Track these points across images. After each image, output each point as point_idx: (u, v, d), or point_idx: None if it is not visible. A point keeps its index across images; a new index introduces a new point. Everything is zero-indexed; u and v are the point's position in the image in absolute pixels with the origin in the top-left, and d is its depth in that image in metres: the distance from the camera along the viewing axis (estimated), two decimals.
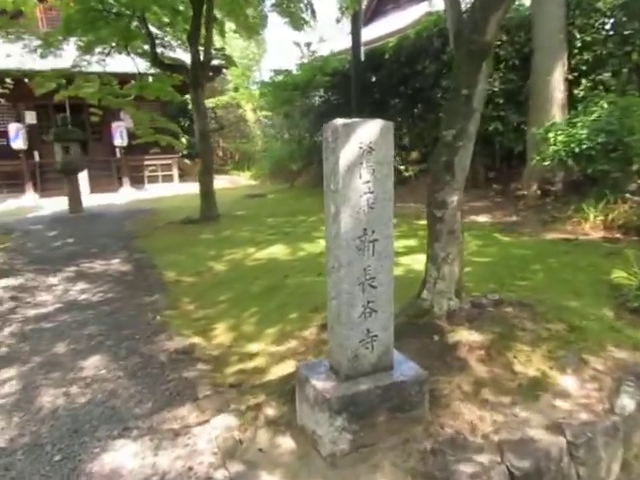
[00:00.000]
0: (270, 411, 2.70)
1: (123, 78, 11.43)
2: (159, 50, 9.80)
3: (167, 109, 16.46)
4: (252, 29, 10.33)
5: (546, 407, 2.51)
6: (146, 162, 16.35)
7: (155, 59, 9.33)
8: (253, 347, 3.56)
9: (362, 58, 11.01)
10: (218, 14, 9.76)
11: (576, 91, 7.28)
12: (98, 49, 9.81)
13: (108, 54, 10.02)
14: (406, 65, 9.92)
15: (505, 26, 7.66)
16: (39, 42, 9.26)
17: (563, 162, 6.20)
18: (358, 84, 10.80)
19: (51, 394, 3.03)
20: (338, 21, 11.02)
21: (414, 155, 10.01)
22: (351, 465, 2.25)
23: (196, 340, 3.76)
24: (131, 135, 13.76)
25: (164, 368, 3.33)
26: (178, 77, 10.07)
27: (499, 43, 7.73)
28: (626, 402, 2.53)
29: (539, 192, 7.27)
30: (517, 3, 8.10)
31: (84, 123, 15.02)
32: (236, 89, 22.50)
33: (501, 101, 7.94)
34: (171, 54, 10.59)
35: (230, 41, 22.18)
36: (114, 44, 9.74)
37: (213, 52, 9.99)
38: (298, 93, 12.82)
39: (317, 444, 2.35)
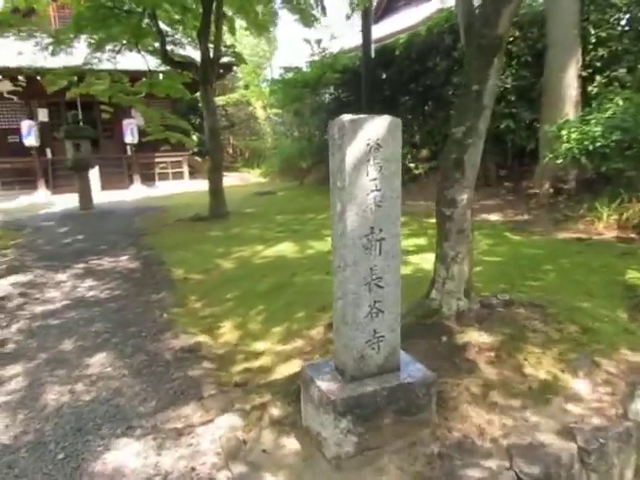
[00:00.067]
0: (275, 411, 2.67)
1: (134, 76, 11.44)
2: (169, 47, 9.80)
3: (178, 106, 16.52)
4: (262, 26, 10.28)
5: (557, 411, 2.45)
6: (157, 159, 16.41)
7: (165, 56, 9.33)
8: (259, 346, 3.53)
9: (372, 55, 10.94)
10: (228, 11, 9.74)
11: (590, 88, 7.15)
12: (109, 47, 9.83)
13: (119, 52, 10.04)
14: (417, 62, 9.83)
15: (518, 22, 7.54)
16: (50, 40, 9.28)
17: (576, 160, 6.09)
18: (368, 81, 10.73)
19: (56, 391, 3.03)
20: (348, 17, 10.95)
21: (424, 153, 9.92)
22: (356, 468, 2.21)
23: (202, 338, 3.74)
24: (142, 132, 13.79)
25: (169, 366, 3.31)
26: (188, 74, 10.06)
27: (511, 39, 7.62)
28: None
29: (551, 190, 7.16)
30: None
31: (95, 120, 15.13)
32: (246, 87, 22.51)
33: (513, 98, 7.83)
34: (181, 51, 10.58)
35: (241, 39, 22.21)
36: (125, 42, 9.75)
37: (223, 49, 9.97)
38: (308, 90, 12.76)
39: (322, 446, 2.31)
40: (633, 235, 5.53)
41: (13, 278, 5.56)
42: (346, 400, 2.22)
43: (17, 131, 14.55)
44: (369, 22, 10.86)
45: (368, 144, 2.16)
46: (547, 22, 7.30)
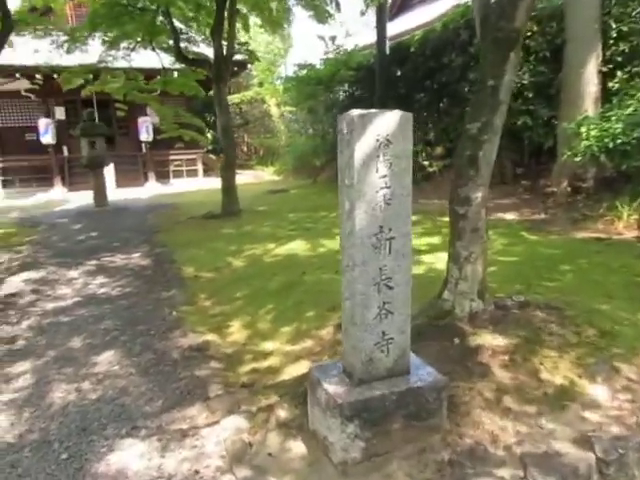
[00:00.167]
0: (282, 413, 2.62)
1: (149, 73, 11.50)
2: (183, 45, 9.81)
3: (193, 104, 16.56)
4: (276, 23, 10.24)
5: (574, 418, 2.35)
6: (171, 157, 16.48)
7: (179, 54, 9.33)
8: (268, 345, 3.48)
9: (387, 52, 10.82)
10: (242, 8, 9.70)
11: (610, 84, 6.95)
12: (123, 44, 9.88)
13: (133, 49, 10.09)
14: (432, 58, 9.69)
15: (536, 16, 7.38)
16: (66, 38, 9.35)
17: (595, 158, 5.92)
18: (383, 78, 10.62)
19: (63, 389, 3.01)
20: (363, 13, 10.84)
21: (438, 150, 9.78)
22: (363, 474, 2.14)
23: (210, 337, 3.70)
24: (157, 130, 13.86)
25: (176, 365, 3.27)
26: (202, 72, 10.07)
27: (529, 34, 7.45)
28: None
29: (569, 189, 6.98)
30: None
31: (111, 118, 15.23)
32: (261, 84, 22.50)
33: (531, 95, 7.66)
34: (195, 49, 10.59)
35: (255, 36, 22.20)
36: (139, 39, 9.79)
37: (236, 47, 9.95)
38: (322, 88, 12.68)
39: (328, 450, 2.25)
40: None
41: (26, 274, 5.59)
42: (353, 404, 2.15)
43: (34, 129, 14.71)
44: (383, 18, 10.74)
45: (378, 140, 2.09)
46: (566, 16, 7.12)
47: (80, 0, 11.31)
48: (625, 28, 6.88)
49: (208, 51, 10.13)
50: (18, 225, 9.18)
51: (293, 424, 2.52)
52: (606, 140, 5.62)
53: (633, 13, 6.93)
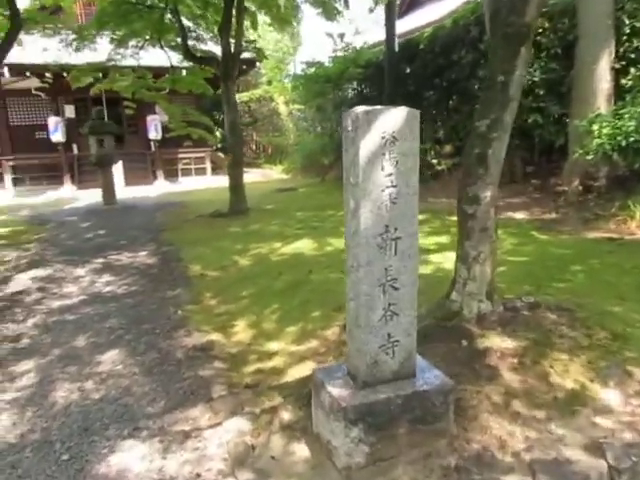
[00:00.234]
0: (286, 415, 2.57)
1: (157, 72, 11.51)
2: (191, 43, 9.80)
3: (202, 103, 16.58)
4: (284, 20, 10.18)
5: (585, 424, 2.29)
6: (180, 155, 16.52)
7: (187, 52, 9.31)
8: (273, 346, 3.44)
9: (396, 49, 10.73)
10: (250, 5, 9.66)
11: (623, 81, 6.83)
12: (132, 42, 9.89)
13: (142, 47, 10.09)
14: (441, 55, 9.59)
15: (548, 12, 7.26)
16: (74, 36, 9.37)
17: (608, 156, 5.82)
18: (392, 76, 10.54)
19: (66, 389, 2.99)
20: (371, 10, 10.77)
21: (447, 148, 9.68)
22: (368, 479, 2.09)
23: (215, 337, 3.67)
24: (165, 128, 13.88)
25: (180, 365, 3.24)
26: (210, 70, 10.05)
27: (540, 30, 7.34)
28: None
29: (581, 188, 6.87)
30: None
31: (120, 116, 15.30)
32: (269, 82, 22.47)
33: (542, 92, 7.54)
34: (203, 47, 10.57)
35: (264, 34, 22.21)
36: (147, 37, 9.79)
37: (244, 44, 9.91)
38: (330, 86, 12.62)
39: (332, 455, 2.20)
40: None
41: (33, 272, 5.60)
42: (358, 407, 2.10)
43: (45, 127, 14.81)
44: (393, 15, 10.65)
45: (383, 137, 2.04)
46: (578, 12, 7.00)
47: None
48: (639, 24, 6.75)
49: (216, 49, 10.11)
50: (28, 223, 9.24)
51: (297, 426, 2.48)
52: (619, 138, 5.53)
53: None
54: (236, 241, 6.57)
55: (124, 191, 13.20)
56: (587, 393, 2.47)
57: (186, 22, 9.84)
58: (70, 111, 15.36)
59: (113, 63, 10.12)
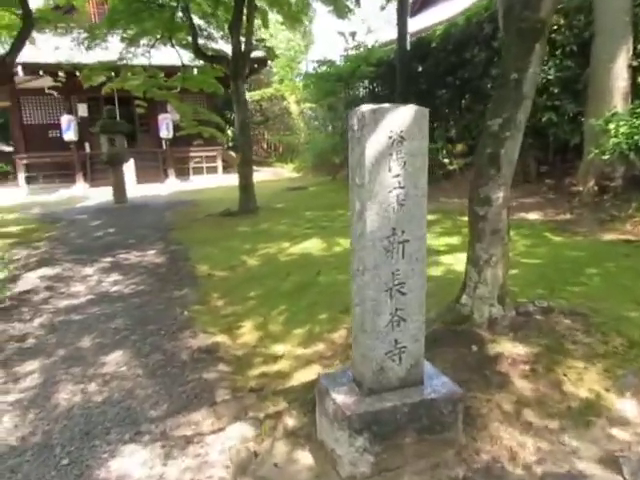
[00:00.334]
0: (290, 421, 2.52)
1: (168, 71, 11.51)
2: (202, 41, 9.78)
3: (213, 101, 16.59)
4: (295, 18, 10.13)
5: (600, 436, 2.20)
6: (191, 154, 16.54)
7: (197, 50, 9.29)
8: (278, 348, 3.38)
9: (408, 47, 10.61)
10: (264, 4, 9.61)
11: None
12: (143, 41, 9.89)
13: (153, 46, 10.09)
14: (454, 53, 9.46)
15: (563, 9, 7.12)
16: (85, 35, 9.40)
17: (624, 156, 5.68)
18: (403, 74, 10.42)
19: (69, 390, 2.96)
20: (383, 8, 10.69)
21: (460, 148, 9.55)
22: None
23: (221, 338, 3.62)
24: (177, 127, 13.90)
25: (185, 368, 3.20)
26: (221, 69, 10.02)
27: (555, 28, 7.20)
28: None
29: (596, 188, 6.72)
30: None
31: (132, 115, 15.34)
32: (281, 81, 22.44)
33: (556, 90, 7.39)
34: (213, 45, 10.55)
35: (276, 33, 22.18)
36: (158, 36, 9.79)
37: (254, 43, 9.87)
38: (342, 84, 12.54)
39: (336, 464, 2.14)
40: None
41: (42, 271, 5.60)
42: (362, 416, 2.04)
43: (57, 126, 14.91)
44: (405, 13, 10.53)
45: (390, 136, 1.97)
46: (595, 8, 6.84)
47: None
48: None
49: (227, 48, 10.08)
50: (39, 221, 9.29)
51: (301, 433, 2.42)
52: (636, 137, 5.40)
53: None
54: (245, 241, 6.53)
55: (136, 189, 13.25)
56: (602, 403, 2.37)
57: (197, 20, 9.83)
58: (83, 110, 15.47)
59: (124, 62, 10.13)
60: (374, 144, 1.94)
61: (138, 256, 6.17)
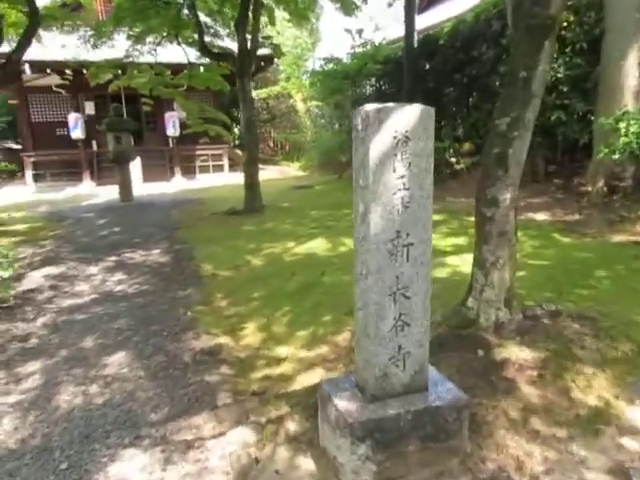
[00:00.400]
0: (292, 426, 2.47)
1: (175, 68, 11.46)
2: (208, 39, 9.74)
3: (220, 99, 16.56)
4: (302, 15, 10.06)
5: (609, 445, 2.14)
6: (197, 152, 16.53)
7: (203, 48, 9.25)
8: (282, 351, 3.34)
9: (415, 45, 10.53)
10: (270, 1, 9.56)
11: None
12: (149, 39, 9.87)
13: (159, 44, 10.06)
14: (461, 51, 9.37)
15: (573, 5, 7.03)
16: (92, 33, 9.40)
17: (635, 155, 5.58)
18: (411, 72, 10.35)
19: (70, 392, 2.93)
20: (390, 5, 10.58)
21: (467, 147, 9.46)
22: None
23: (223, 340, 3.58)
24: (183, 125, 13.89)
25: (187, 370, 3.16)
26: (227, 67, 9.98)
27: (565, 25, 7.10)
28: None
29: (606, 188, 6.62)
30: None
31: (139, 113, 15.34)
32: (288, 79, 22.38)
33: (565, 88, 7.29)
34: (220, 43, 10.51)
35: (283, 31, 22.11)
36: (164, 34, 9.76)
37: (261, 40, 9.82)
38: (348, 82, 12.47)
39: (338, 472, 2.10)
40: None
41: (47, 270, 5.60)
42: (365, 424, 1.99)
43: (65, 124, 14.94)
44: (412, 10, 10.45)
45: (395, 137, 1.91)
46: (606, 5, 6.74)
47: None
48: None
49: (233, 45, 10.04)
50: (45, 219, 9.30)
51: (303, 438, 2.38)
52: None
53: None
54: (249, 240, 6.50)
55: (142, 187, 13.26)
56: (612, 411, 2.31)
57: (203, 18, 9.79)
58: (90, 108, 15.49)
59: (131, 60, 10.11)
60: (378, 144, 1.89)
61: (143, 255, 6.15)
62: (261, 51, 10.67)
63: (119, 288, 4.91)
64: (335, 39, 39.40)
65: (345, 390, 2.20)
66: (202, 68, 11.43)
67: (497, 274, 2.93)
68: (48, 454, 2.37)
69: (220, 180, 15.34)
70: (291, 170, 17.66)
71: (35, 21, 8.04)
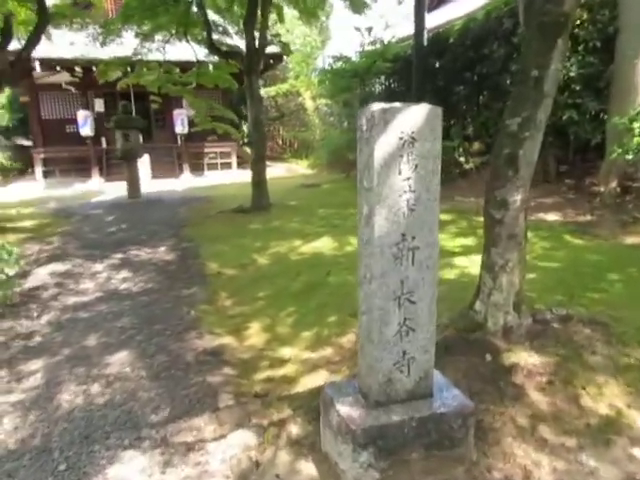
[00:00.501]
0: (294, 429, 2.43)
1: (183, 66, 11.47)
2: (216, 37, 9.71)
3: (229, 97, 16.56)
4: (311, 13, 10.00)
5: (620, 456, 2.07)
6: (206, 149, 16.55)
7: (212, 46, 9.22)
8: (285, 352, 3.30)
9: (425, 43, 10.42)
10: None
11: None
12: (158, 37, 9.86)
13: (168, 42, 10.05)
14: (472, 49, 9.26)
15: (587, 3, 6.90)
16: (100, 30, 9.41)
17: None
18: (420, 70, 10.23)
19: (71, 392, 2.91)
20: (400, 3, 10.50)
21: (477, 146, 9.35)
22: None
23: (227, 340, 3.55)
24: (192, 123, 13.89)
25: (189, 370, 3.13)
26: (236, 65, 9.95)
27: (578, 23, 6.98)
28: None
29: (618, 189, 6.51)
30: None
31: (148, 110, 15.37)
32: (297, 77, 22.32)
33: (578, 87, 7.18)
34: (229, 41, 10.48)
35: (293, 28, 22.04)
36: (173, 31, 9.75)
37: (269, 38, 9.77)
38: (357, 80, 12.39)
39: (340, 478, 2.05)
40: None
41: (52, 267, 5.60)
42: (368, 430, 1.94)
43: (74, 121, 15.02)
44: (422, 8, 10.31)
45: (401, 138, 1.86)
46: (620, 3, 6.62)
47: None
48: None
49: (241, 43, 9.99)
50: (54, 216, 9.33)
51: (305, 442, 2.34)
52: None
53: None
54: (256, 238, 6.46)
55: (150, 184, 13.27)
56: (623, 420, 2.25)
57: (212, 16, 9.76)
58: (99, 105, 15.53)
59: (139, 57, 10.11)
60: (384, 145, 1.84)
61: (149, 253, 6.14)
62: (270, 49, 10.61)
63: (124, 286, 4.90)
64: (345, 37, 39.36)
65: (348, 395, 2.15)
66: (211, 66, 11.41)
67: (506, 278, 2.86)
68: (47, 455, 2.35)
69: (228, 178, 15.33)
70: (299, 168, 17.61)
71: (44, 19, 8.05)
